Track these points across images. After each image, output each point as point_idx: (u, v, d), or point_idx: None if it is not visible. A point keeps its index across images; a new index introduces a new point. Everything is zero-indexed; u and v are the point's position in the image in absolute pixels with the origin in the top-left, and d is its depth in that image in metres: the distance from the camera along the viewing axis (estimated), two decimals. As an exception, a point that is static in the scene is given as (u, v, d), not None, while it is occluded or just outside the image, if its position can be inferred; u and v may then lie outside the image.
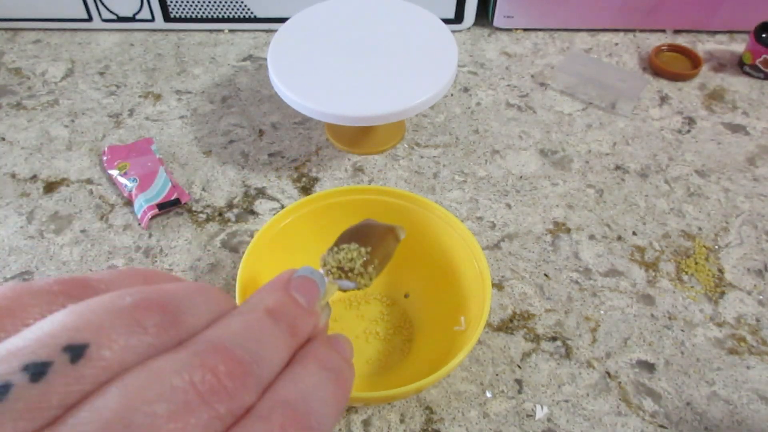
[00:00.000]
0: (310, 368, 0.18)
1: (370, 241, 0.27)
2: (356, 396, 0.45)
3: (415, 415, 0.49)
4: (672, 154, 0.69)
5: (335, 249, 0.26)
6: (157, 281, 0.18)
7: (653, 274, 0.58)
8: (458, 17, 0.82)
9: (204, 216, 0.62)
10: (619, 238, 0.61)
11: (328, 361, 0.18)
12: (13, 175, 0.66)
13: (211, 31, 0.83)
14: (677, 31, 0.84)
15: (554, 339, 0.53)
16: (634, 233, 0.61)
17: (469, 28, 0.84)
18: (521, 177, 0.66)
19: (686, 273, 0.58)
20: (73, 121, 0.72)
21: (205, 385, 0.14)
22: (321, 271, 0.25)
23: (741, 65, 0.79)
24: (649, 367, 0.52)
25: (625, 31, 0.84)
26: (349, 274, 0.25)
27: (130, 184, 0.62)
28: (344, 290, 0.25)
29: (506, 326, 0.54)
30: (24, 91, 0.75)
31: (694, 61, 0.79)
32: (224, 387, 0.15)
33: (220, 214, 0.62)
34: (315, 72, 0.61)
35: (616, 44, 0.83)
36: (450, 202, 0.64)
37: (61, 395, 0.13)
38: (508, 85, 0.77)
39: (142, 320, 0.15)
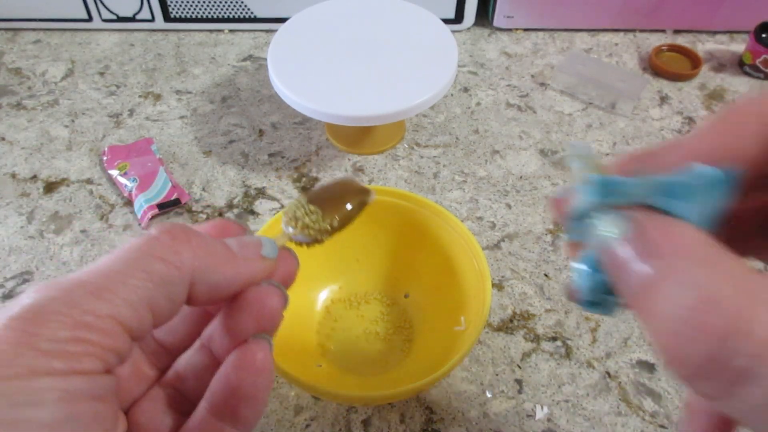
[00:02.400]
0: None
1: (330, 204, 0.28)
2: (356, 396, 0.45)
3: (415, 415, 0.49)
4: (672, 154, 0.69)
5: (301, 205, 0.28)
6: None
7: (653, 274, 0.58)
8: (458, 17, 0.82)
9: (204, 216, 0.62)
10: (619, 238, 0.61)
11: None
12: (13, 175, 0.66)
13: (211, 31, 0.83)
14: (677, 31, 0.84)
15: (554, 339, 0.53)
16: (634, 233, 0.61)
17: (469, 28, 0.84)
18: (521, 177, 0.66)
19: (686, 273, 0.58)
20: (73, 121, 0.72)
21: None
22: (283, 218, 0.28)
23: (741, 65, 0.79)
24: (649, 367, 0.52)
25: (625, 31, 0.84)
26: (304, 231, 0.27)
27: (130, 184, 0.62)
28: (298, 243, 0.27)
29: (506, 326, 0.54)
30: (24, 91, 0.75)
31: (694, 61, 0.79)
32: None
33: (220, 215, 0.62)
34: (315, 72, 0.61)
35: (616, 44, 0.83)
36: (450, 202, 0.64)
37: None
38: (508, 85, 0.77)
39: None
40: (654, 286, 0.16)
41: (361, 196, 0.29)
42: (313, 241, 0.27)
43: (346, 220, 0.28)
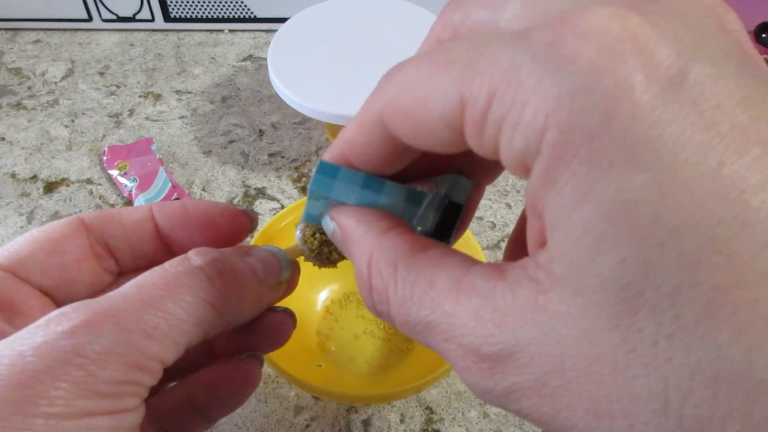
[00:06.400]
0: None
1: None
2: (356, 396, 0.45)
3: (415, 415, 0.49)
4: (672, 154, 0.69)
5: (319, 230, 0.27)
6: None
7: (653, 274, 0.58)
8: (458, 17, 0.82)
9: (204, 216, 0.62)
10: (619, 238, 0.61)
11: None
12: (13, 175, 0.66)
13: (211, 31, 0.83)
14: (677, 31, 0.84)
15: (554, 339, 0.53)
16: (634, 233, 0.61)
17: (469, 28, 0.84)
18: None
19: (686, 273, 0.58)
20: (73, 121, 0.72)
21: None
22: (297, 233, 0.28)
23: (741, 65, 0.79)
24: (649, 367, 0.52)
25: (625, 31, 0.84)
26: (318, 258, 0.27)
27: (130, 184, 0.62)
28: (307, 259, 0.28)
29: (506, 326, 0.54)
30: (24, 91, 0.75)
31: (694, 61, 0.79)
32: None
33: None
34: (315, 72, 0.61)
35: (616, 44, 0.82)
36: (450, 202, 0.63)
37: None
38: (508, 85, 0.76)
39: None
40: (352, 261, 0.22)
41: None
42: (323, 266, 0.27)
43: None
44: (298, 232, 0.27)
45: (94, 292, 0.25)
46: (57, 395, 0.18)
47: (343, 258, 0.27)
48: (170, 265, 0.22)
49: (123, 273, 0.27)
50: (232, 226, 0.27)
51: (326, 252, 0.27)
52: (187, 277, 0.21)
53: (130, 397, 0.19)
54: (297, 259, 0.28)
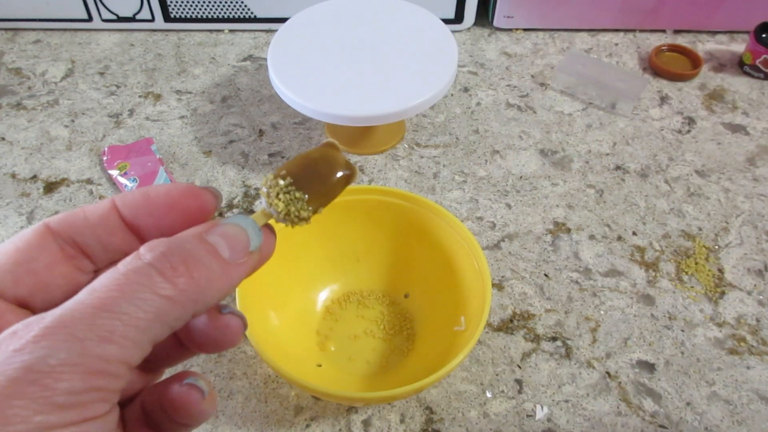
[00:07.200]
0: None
1: (315, 185, 0.26)
2: (356, 396, 0.45)
3: (415, 415, 0.49)
4: (672, 154, 0.69)
5: (284, 189, 0.26)
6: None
7: (653, 274, 0.58)
8: (458, 17, 0.82)
9: (204, 216, 0.62)
10: (619, 238, 0.61)
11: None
12: (13, 175, 0.66)
13: (211, 31, 0.83)
14: (677, 31, 0.84)
15: (554, 339, 0.53)
16: (634, 233, 0.61)
17: (469, 28, 0.84)
18: (521, 177, 0.66)
19: (686, 273, 0.58)
20: (73, 121, 0.72)
21: None
22: (262, 198, 0.26)
23: (741, 65, 0.79)
24: (649, 367, 0.52)
25: (625, 31, 0.84)
26: (287, 217, 0.26)
27: (130, 184, 0.62)
28: (277, 220, 0.26)
29: (506, 326, 0.54)
30: (24, 91, 0.75)
31: (694, 61, 0.79)
32: None
33: (220, 215, 0.62)
34: (315, 72, 0.61)
35: (616, 44, 0.83)
36: (450, 202, 0.64)
37: None
38: (508, 85, 0.77)
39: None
40: None
41: (347, 175, 0.27)
42: (295, 224, 0.26)
43: (331, 201, 0.27)
44: (262, 197, 0.26)
45: (72, 294, 0.25)
46: (13, 413, 0.17)
47: (315, 213, 0.26)
48: (122, 265, 0.21)
49: (99, 270, 0.26)
50: (197, 205, 0.26)
51: (294, 211, 0.25)
52: (138, 274, 0.21)
53: (97, 404, 0.19)
54: (270, 222, 0.26)
